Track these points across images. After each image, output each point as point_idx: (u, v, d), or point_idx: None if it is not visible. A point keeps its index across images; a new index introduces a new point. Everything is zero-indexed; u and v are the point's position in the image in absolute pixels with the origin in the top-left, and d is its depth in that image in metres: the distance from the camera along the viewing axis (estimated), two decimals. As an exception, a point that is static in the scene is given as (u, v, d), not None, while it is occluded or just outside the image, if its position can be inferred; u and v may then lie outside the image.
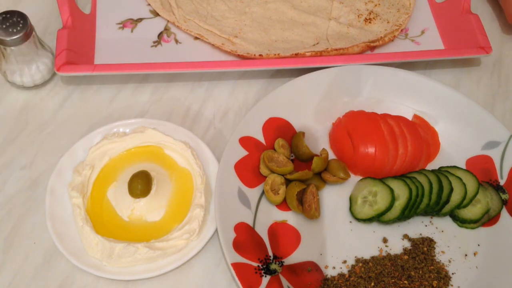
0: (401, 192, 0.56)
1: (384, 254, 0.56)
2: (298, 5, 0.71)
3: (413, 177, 0.57)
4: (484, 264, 0.55)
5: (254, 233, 0.55)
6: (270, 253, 0.54)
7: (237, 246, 0.52)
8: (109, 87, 0.65)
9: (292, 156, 0.60)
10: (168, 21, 0.70)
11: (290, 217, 0.57)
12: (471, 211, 0.57)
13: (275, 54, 0.65)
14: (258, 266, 0.53)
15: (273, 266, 0.53)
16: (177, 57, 0.67)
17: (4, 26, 0.58)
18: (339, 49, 0.66)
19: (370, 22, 0.70)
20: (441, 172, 0.58)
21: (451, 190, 0.57)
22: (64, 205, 0.55)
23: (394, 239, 0.57)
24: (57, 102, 0.64)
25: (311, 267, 0.54)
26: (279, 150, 0.59)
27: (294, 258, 0.55)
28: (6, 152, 0.60)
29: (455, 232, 0.57)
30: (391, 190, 0.56)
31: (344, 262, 0.55)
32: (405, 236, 0.57)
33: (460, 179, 0.57)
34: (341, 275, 0.54)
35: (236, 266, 0.51)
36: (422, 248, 0.56)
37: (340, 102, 0.63)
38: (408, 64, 0.67)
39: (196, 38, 0.69)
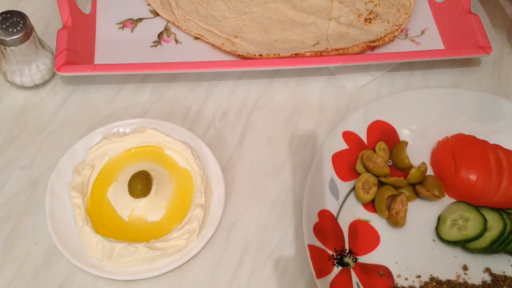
0: (495, 224, 0.54)
1: (461, 281, 0.54)
2: (298, 5, 0.71)
3: (511, 213, 0.55)
4: None
5: (336, 223, 0.56)
6: (347, 247, 0.55)
7: (317, 230, 0.54)
8: (109, 87, 0.65)
9: (389, 162, 0.60)
10: (168, 21, 0.70)
11: (374, 219, 0.57)
12: None
13: (275, 54, 0.65)
14: (333, 255, 0.54)
15: (347, 260, 0.54)
16: (177, 57, 0.67)
17: (4, 26, 0.58)
18: (339, 49, 0.66)
19: (370, 22, 0.70)
20: None
21: None
22: (64, 205, 0.55)
23: (475, 270, 0.55)
24: (57, 102, 0.64)
25: (383, 272, 0.54)
26: (379, 152, 0.59)
27: (369, 258, 0.55)
28: (6, 152, 0.60)
29: None
30: (485, 220, 0.54)
31: (418, 276, 0.54)
32: (487, 270, 0.55)
33: None
34: (412, 287, 0.54)
35: (312, 248, 0.52)
36: (502, 286, 0.54)
37: (454, 121, 0.62)
38: (408, 64, 0.67)
39: (196, 38, 0.69)
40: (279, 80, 0.67)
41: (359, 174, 0.58)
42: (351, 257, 0.54)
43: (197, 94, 0.65)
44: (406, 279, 0.54)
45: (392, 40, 0.69)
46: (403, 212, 0.56)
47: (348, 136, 0.60)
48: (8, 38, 0.58)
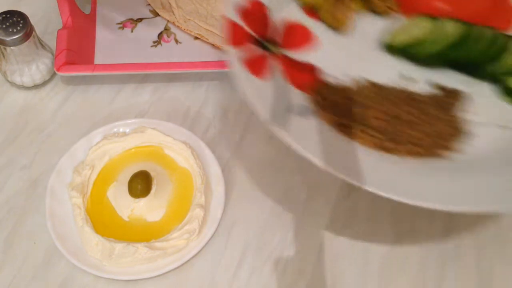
0: (448, 29, 0.50)
1: (398, 87, 0.51)
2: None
3: (468, 23, 0.51)
4: (510, 140, 0.50)
5: (268, 15, 0.52)
6: (276, 38, 0.51)
7: (244, 13, 0.49)
8: (109, 87, 0.65)
9: None
10: (168, 21, 0.70)
11: (317, 23, 0.54)
12: None
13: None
14: (256, 37, 0.49)
15: (272, 47, 0.50)
16: (177, 57, 0.67)
17: (4, 26, 0.58)
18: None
19: None
20: (502, 32, 0.52)
21: (505, 49, 0.51)
22: (64, 205, 0.55)
23: (419, 81, 0.52)
24: (57, 102, 0.64)
25: (312, 68, 0.51)
26: None
27: (301, 56, 0.52)
28: (6, 152, 0.60)
29: (494, 101, 0.51)
30: (437, 26, 0.50)
31: (351, 77, 0.51)
32: (434, 83, 0.52)
33: None
34: (343, 85, 0.50)
35: (229, 22, 0.48)
36: (448, 98, 0.51)
37: None
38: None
39: (196, 38, 0.69)
40: (279, 80, 0.67)
41: None
42: (279, 48, 0.50)
43: (197, 94, 0.65)
44: (337, 78, 0.51)
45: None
46: (348, 16, 0.52)
47: None
48: (8, 38, 0.58)
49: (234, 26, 0.48)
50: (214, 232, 0.55)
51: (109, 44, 0.68)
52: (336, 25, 0.53)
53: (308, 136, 0.46)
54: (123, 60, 0.65)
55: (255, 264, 0.55)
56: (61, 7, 0.64)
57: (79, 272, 0.53)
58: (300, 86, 0.50)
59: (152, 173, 0.55)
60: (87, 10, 0.69)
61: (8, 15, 0.59)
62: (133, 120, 0.60)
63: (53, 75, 0.65)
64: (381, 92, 0.50)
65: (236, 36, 0.49)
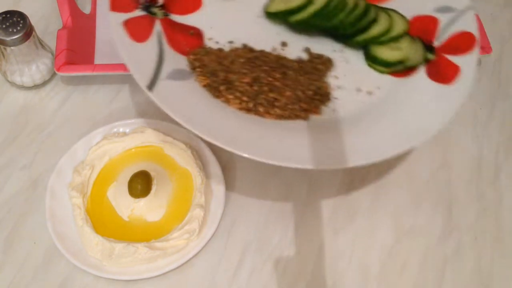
0: None
1: (275, 53, 0.55)
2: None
3: None
4: (372, 104, 0.54)
5: None
6: (160, 1, 0.53)
7: None
8: (109, 87, 0.65)
9: None
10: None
11: None
12: (387, 53, 0.56)
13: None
14: (139, 1, 0.52)
15: (155, 10, 0.52)
16: (177, 57, 0.67)
17: (4, 26, 0.58)
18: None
19: None
20: (375, 5, 0.57)
21: (375, 20, 0.55)
22: (64, 205, 0.55)
23: (294, 48, 0.55)
24: (57, 102, 0.64)
25: (194, 32, 0.53)
26: None
27: (184, 19, 0.54)
28: (6, 152, 0.60)
29: (361, 68, 0.56)
30: None
31: (231, 42, 0.54)
32: (307, 50, 0.56)
33: (390, 16, 0.56)
34: (220, 49, 0.53)
35: None
36: (316, 64, 0.55)
37: None
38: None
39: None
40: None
41: None
42: (163, 11, 0.52)
43: (197, 94, 0.65)
44: (217, 42, 0.54)
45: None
46: None
47: None
48: (8, 38, 0.58)
49: None
50: (214, 232, 0.55)
51: (109, 44, 0.68)
52: None
53: (181, 100, 0.49)
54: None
55: (255, 264, 0.55)
56: (61, 7, 0.64)
57: (79, 272, 0.53)
58: (180, 50, 0.52)
59: (152, 173, 0.55)
60: (87, 10, 0.69)
61: (8, 15, 0.59)
62: (133, 120, 0.60)
63: (53, 75, 0.65)
64: (255, 59, 0.53)
65: (120, 0, 0.51)
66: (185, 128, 0.47)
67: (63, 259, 0.54)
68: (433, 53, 0.57)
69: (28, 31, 0.59)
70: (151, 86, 0.48)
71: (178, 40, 0.52)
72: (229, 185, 0.59)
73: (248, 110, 0.51)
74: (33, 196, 0.58)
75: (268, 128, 0.50)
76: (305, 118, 0.52)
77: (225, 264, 0.55)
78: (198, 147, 0.59)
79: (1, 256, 0.54)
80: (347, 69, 0.56)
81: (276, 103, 0.52)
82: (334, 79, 0.55)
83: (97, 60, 0.66)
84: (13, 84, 0.64)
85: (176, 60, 0.52)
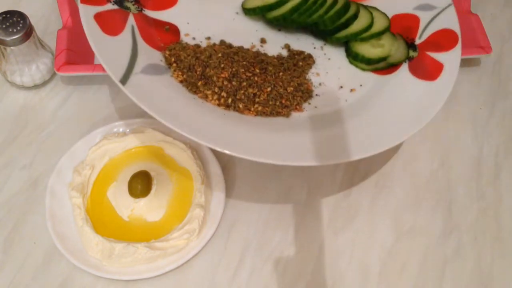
0: None
1: (254, 50, 0.54)
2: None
3: None
4: (354, 102, 0.54)
5: None
6: None
7: None
8: (109, 87, 0.65)
9: None
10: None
11: None
12: (368, 50, 0.56)
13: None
14: None
15: (128, 5, 0.52)
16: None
17: (4, 26, 0.58)
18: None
19: None
20: (355, 2, 0.57)
21: (355, 16, 0.55)
22: (64, 205, 0.55)
23: (274, 44, 0.55)
24: (57, 102, 0.64)
25: (170, 28, 0.53)
26: None
27: (159, 15, 0.53)
28: (6, 152, 0.60)
29: (343, 65, 0.56)
30: None
31: (208, 38, 0.53)
32: (286, 46, 0.55)
33: (371, 13, 0.56)
34: (197, 45, 0.53)
35: None
36: (297, 60, 0.54)
37: None
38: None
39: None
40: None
41: None
42: (136, 6, 0.52)
43: (197, 94, 0.65)
44: (194, 38, 0.53)
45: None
46: None
47: None
48: (8, 38, 0.58)
49: None
50: (214, 232, 0.55)
51: (109, 44, 0.68)
52: None
53: (155, 95, 0.48)
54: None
55: (255, 264, 0.55)
56: (61, 7, 0.64)
57: (79, 272, 0.53)
58: (154, 45, 0.51)
59: (152, 173, 0.55)
60: (87, 10, 0.69)
61: (8, 15, 0.59)
62: (133, 120, 0.60)
63: (53, 75, 0.65)
64: (233, 54, 0.52)
65: None
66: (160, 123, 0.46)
67: (63, 259, 0.54)
68: (415, 51, 0.57)
69: (28, 31, 0.59)
70: (124, 80, 0.48)
71: (152, 35, 0.52)
72: (229, 185, 0.59)
73: (227, 107, 0.51)
74: (33, 196, 0.58)
75: (244, 123, 0.50)
76: (286, 115, 0.52)
77: (225, 264, 0.55)
78: (198, 147, 0.59)
79: (1, 256, 0.54)
80: (329, 66, 0.55)
81: (257, 99, 0.51)
82: (316, 76, 0.55)
83: (97, 60, 0.66)
84: (13, 84, 0.64)
85: (151, 55, 0.52)
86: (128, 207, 0.55)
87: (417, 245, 0.57)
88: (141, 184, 0.54)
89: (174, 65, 0.52)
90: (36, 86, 0.64)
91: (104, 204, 0.55)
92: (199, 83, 0.51)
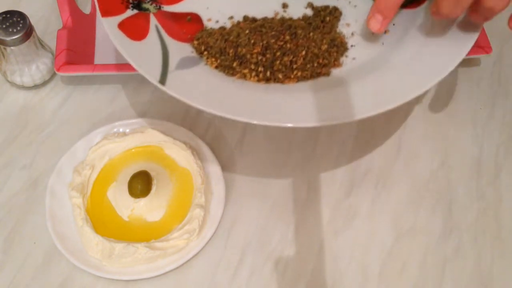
0: None
1: (278, 17, 0.53)
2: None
3: None
4: (391, 43, 0.53)
5: None
6: None
7: None
8: (109, 87, 0.65)
9: None
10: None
11: None
12: None
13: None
14: (128, 0, 0.52)
15: (147, 6, 0.52)
16: (177, 57, 0.67)
17: (4, 26, 0.58)
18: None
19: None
20: None
21: None
22: (64, 205, 0.55)
23: (297, 6, 0.54)
24: (57, 102, 0.64)
25: (191, 17, 0.53)
26: None
27: (177, 7, 0.53)
28: (6, 152, 0.60)
29: (367, 8, 0.53)
30: None
31: (231, 18, 0.53)
32: (309, 5, 0.54)
33: None
34: (222, 27, 0.52)
35: None
36: (323, 16, 0.53)
37: None
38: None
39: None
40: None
41: None
42: (154, 4, 0.52)
43: (197, 94, 0.65)
44: (217, 21, 0.53)
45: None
46: None
47: None
48: (8, 38, 0.58)
49: None
50: (214, 232, 0.55)
51: (109, 44, 0.68)
52: None
53: (195, 88, 0.48)
54: (123, 60, 0.65)
55: (255, 264, 0.55)
56: (61, 7, 0.64)
57: (79, 272, 0.53)
58: (181, 39, 0.51)
59: (152, 173, 0.55)
60: (87, 10, 0.69)
61: (8, 15, 0.59)
62: (133, 120, 0.60)
63: (53, 75, 0.65)
64: (260, 27, 0.51)
65: (109, 4, 0.51)
66: (206, 113, 0.47)
67: (63, 259, 0.54)
68: None
69: (28, 31, 0.59)
70: (162, 80, 0.47)
71: (177, 29, 0.52)
72: (229, 185, 0.59)
73: (267, 80, 0.50)
74: (33, 196, 0.58)
75: (292, 93, 0.49)
76: (327, 73, 0.51)
77: (225, 264, 0.55)
78: (198, 147, 0.59)
79: (1, 256, 0.54)
80: (357, 13, 0.54)
81: (294, 66, 0.50)
82: (346, 27, 0.54)
83: (97, 60, 0.66)
84: (13, 84, 0.64)
85: (181, 49, 0.51)
86: (128, 207, 0.55)
87: (417, 245, 0.57)
88: (141, 184, 0.54)
89: (206, 52, 0.51)
90: (36, 86, 0.64)
91: (104, 204, 0.55)
92: (234, 64, 0.50)
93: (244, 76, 0.50)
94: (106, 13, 0.50)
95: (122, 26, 0.50)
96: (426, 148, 0.62)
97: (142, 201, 0.54)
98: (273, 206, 0.58)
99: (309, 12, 0.55)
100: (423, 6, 0.55)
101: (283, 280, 0.54)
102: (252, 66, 0.50)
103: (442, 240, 0.57)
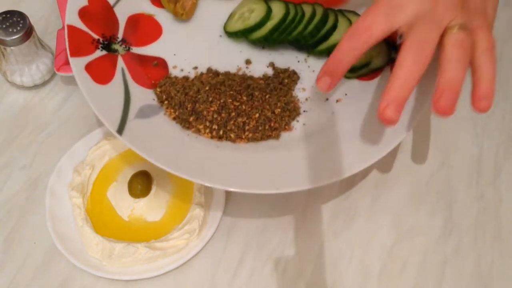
0: (278, 12, 0.55)
1: (240, 73, 0.55)
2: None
3: (299, 4, 0.56)
4: (341, 112, 0.54)
5: (111, 11, 0.55)
6: (120, 36, 0.54)
7: (84, 14, 0.52)
8: (109, 87, 0.65)
9: None
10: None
11: (160, 13, 0.57)
12: None
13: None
14: (99, 39, 0.53)
15: (116, 47, 0.53)
16: (177, 57, 0.67)
17: (4, 26, 0.58)
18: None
19: None
20: (333, 10, 0.57)
21: (334, 27, 0.55)
22: (64, 205, 0.55)
23: (259, 64, 0.56)
24: (57, 102, 0.64)
25: (158, 62, 0.54)
26: None
27: (145, 50, 0.55)
28: (6, 152, 0.60)
29: None
30: (269, 9, 0.55)
31: (195, 68, 0.55)
32: (271, 64, 0.56)
33: (350, 21, 0.56)
34: (186, 77, 0.54)
35: (72, 30, 0.51)
36: (282, 78, 0.55)
37: None
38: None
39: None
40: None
41: None
42: (123, 45, 0.53)
43: (197, 94, 0.65)
44: (182, 70, 0.55)
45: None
46: (190, 6, 0.55)
47: None
48: (8, 38, 0.58)
49: (76, 33, 0.52)
50: (214, 232, 0.55)
51: (109, 44, 0.68)
52: (179, 13, 0.55)
53: (151, 139, 0.50)
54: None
55: (255, 264, 0.55)
56: (61, 7, 0.64)
57: (79, 272, 0.53)
58: (145, 84, 0.53)
59: (152, 173, 0.55)
60: (87, 10, 0.69)
61: (8, 15, 0.59)
62: (133, 120, 0.60)
63: (53, 75, 0.65)
64: (219, 84, 0.53)
65: (79, 44, 0.52)
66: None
67: (63, 259, 0.54)
68: (397, 52, 0.57)
69: (28, 31, 0.59)
70: (120, 130, 0.49)
71: (142, 74, 0.53)
72: (229, 185, 0.59)
73: (220, 138, 0.52)
74: (33, 196, 0.58)
75: (237, 153, 0.51)
76: (276, 137, 0.53)
77: (225, 264, 0.55)
78: (198, 147, 0.59)
79: (1, 256, 0.54)
80: (314, 78, 0.55)
81: (246, 127, 0.52)
82: (302, 92, 0.56)
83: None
84: (13, 84, 0.64)
85: (143, 96, 0.53)
86: (128, 207, 0.55)
87: (417, 245, 0.57)
88: (141, 184, 0.54)
89: (166, 102, 0.53)
90: (36, 86, 0.64)
91: (104, 204, 0.55)
92: (191, 119, 0.52)
93: (198, 131, 0.52)
94: (75, 53, 0.51)
95: (89, 67, 0.51)
96: (426, 148, 0.62)
97: (142, 201, 0.54)
98: (273, 206, 0.58)
99: (270, 71, 0.56)
100: (376, 80, 0.56)
101: (283, 280, 0.54)
102: (207, 123, 0.52)
103: (442, 240, 0.57)
